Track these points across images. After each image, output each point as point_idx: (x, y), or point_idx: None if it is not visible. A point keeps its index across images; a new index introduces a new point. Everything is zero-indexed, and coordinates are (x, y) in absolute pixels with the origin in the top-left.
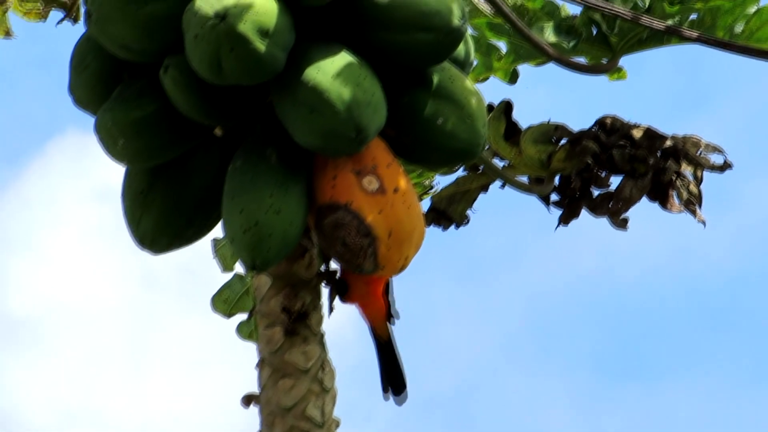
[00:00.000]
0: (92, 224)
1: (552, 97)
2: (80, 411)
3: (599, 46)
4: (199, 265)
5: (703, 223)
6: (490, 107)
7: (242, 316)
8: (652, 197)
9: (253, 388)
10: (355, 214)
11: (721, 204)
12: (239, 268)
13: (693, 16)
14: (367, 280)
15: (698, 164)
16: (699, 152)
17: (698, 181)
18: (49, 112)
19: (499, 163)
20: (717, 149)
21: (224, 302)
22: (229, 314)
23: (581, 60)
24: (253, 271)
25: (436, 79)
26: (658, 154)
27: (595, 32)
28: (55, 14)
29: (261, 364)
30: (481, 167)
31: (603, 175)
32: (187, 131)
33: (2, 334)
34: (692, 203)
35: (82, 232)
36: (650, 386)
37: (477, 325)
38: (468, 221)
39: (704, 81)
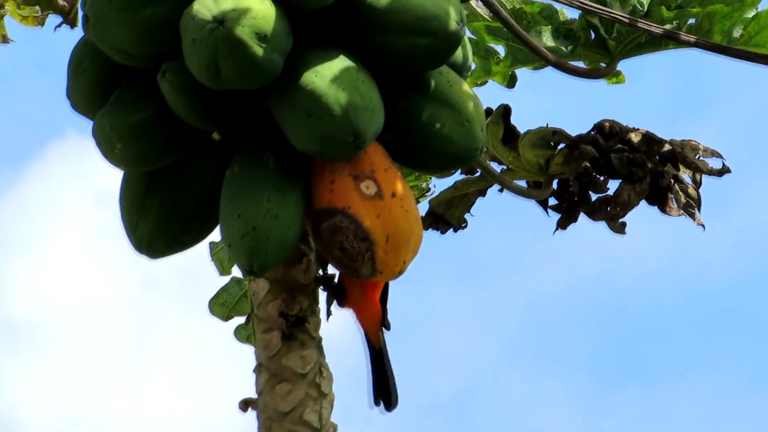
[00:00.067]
0: (92, 227)
1: (551, 101)
2: (80, 413)
3: (597, 50)
4: (199, 268)
5: (702, 226)
6: (489, 111)
7: (239, 320)
8: (651, 201)
9: (252, 392)
10: (352, 219)
11: (720, 207)
12: (236, 271)
13: (691, 21)
14: (364, 286)
15: (696, 168)
16: (697, 156)
17: (697, 184)
18: (48, 116)
19: (497, 167)
20: (715, 154)
21: (221, 306)
22: (226, 318)
23: (579, 64)
24: (251, 275)
25: (433, 83)
26: (657, 159)
27: (593, 36)
28: (53, 19)
29: (258, 369)
30: (479, 171)
31: (601, 179)
32: (185, 136)
33: (2, 336)
34: (691, 207)
35: (82, 234)
36: (649, 389)
37: (477, 328)
38: (466, 225)
39: (703, 85)
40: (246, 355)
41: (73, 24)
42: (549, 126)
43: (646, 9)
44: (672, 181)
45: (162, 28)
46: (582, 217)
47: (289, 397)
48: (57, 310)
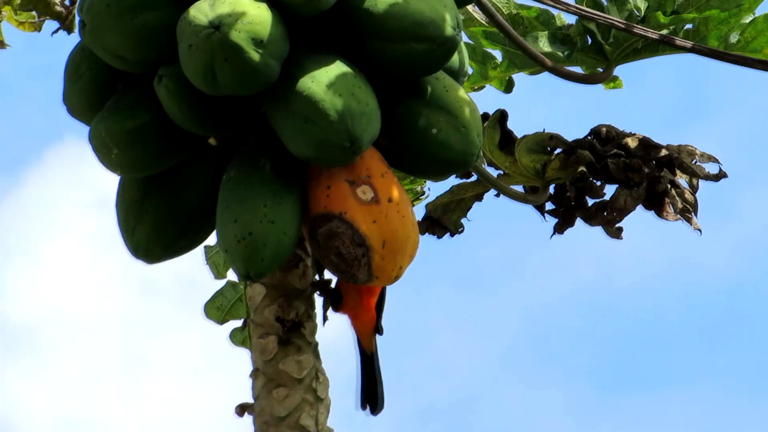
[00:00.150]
0: (90, 232)
1: (548, 106)
2: (78, 419)
3: (594, 55)
4: (197, 272)
5: (699, 231)
6: (485, 116)
7: (235, 323)
8: (647, 206)
9: (249, 396)
10: (349, 224)
11: (719, 213)
12: (231, 275)
13: (688, 26)
14: (359, 291)
15: (693, 173)
16: (694, 161)
17: (694, 189)
18: (47, 121)
19: (493, 172)
20: (712, 158)
21: (217, 309)
22: (221, 321)
23: (576, 69)
24: (247, 280)
25: (430, 88)
26: (653, 164)
27: (590, 42)
28: (51, 24)
29: (255, 374)
30: (475, 176)
31: (598, 184)
32: (182, 141)
33: (0, 341)
34: (688, 212)
35: (81, 239)
36: (648, 396)
37: (475, 335)
38: (462, 230)
39: (702, 90)
40: (244, 360)
41: (70, 29)
42: (546, 131)
43: (642, 14)
44: (669, 186)
45: (158, 34)
46: (580, 223)
47: (285, 401)
48: (55, 315)
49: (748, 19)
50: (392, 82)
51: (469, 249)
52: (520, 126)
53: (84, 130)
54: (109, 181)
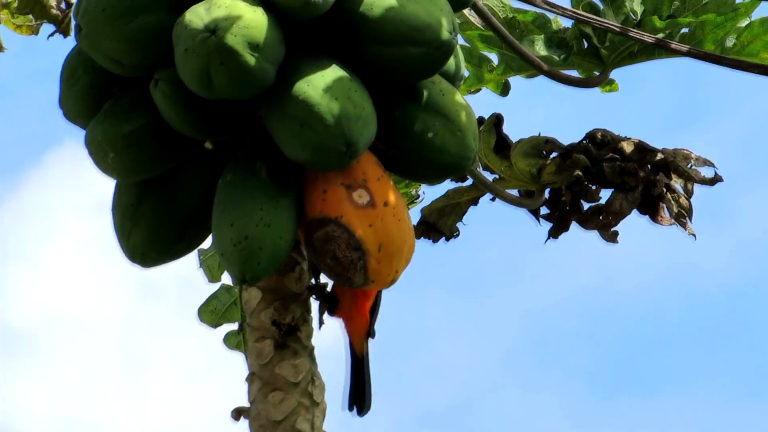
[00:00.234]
0: (90, 235)
1: (546, 109)
2: (77, 422)
3: (590, 59)
4: (196, 276)
5: (694, 236)
6: (481, 120)
7: (229, 326)
8: (642, 211)
9: (245, 400)
10: (345, 228)
11: (718, 218)
12: (226, 278)
13: (684, 30)
14: (354, 295)
15: (688, 177)
16: (689, 165)
17: (689, 194)
18: (46, 124)
19: (489, 176)
20: (707, 162)
21: (211, 313)
22: (215, 325)
23: (573, 73)
24: (243, 284)
25: (426, 92)
26: (649, 168)
27: (586, 45)
28: (48, 28)
29: (251, 378)
30: (470, 180)
31: (593, 188)
32: (178, 145)
33: (0, 344)
34: (683, 216)
35: (80, 243)
36: (647, 399)
37: (474, 339)
38: (458, 234)
39: (701, 94)
40: (243, 362)
41: (66, 33)
42: (541, 135)
43: (638, 18)
44: (664, 190)
45: (154, 38)
46: (578, 226)
47: (281, 405)
48: (55, 318)
49: (744, 23)
50: (388, 86)
51: (468, 253)
52: (516, 129)
53: (83, 133)
54: (109, 185)
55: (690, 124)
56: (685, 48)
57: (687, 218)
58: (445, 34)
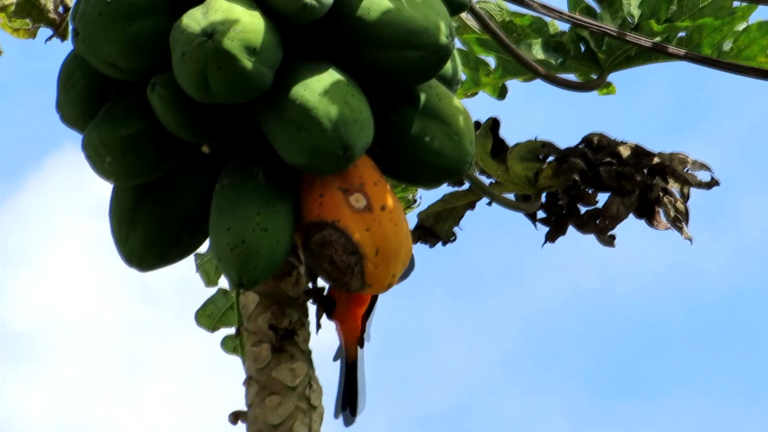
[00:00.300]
0: (90, 238)
1: (545, 112)
2: (77, 424)
3: (587, 63)
4: (196, 279)
5: (690, 240)
6: (478, 124)
7: (227, 330)
8: (639, 215)
9: (243, 404)
10: (342, 232)
11: (718, 220)
12: (223, 282)
13: (681, 34)
14: (349, 300)
15: (685, 181)
16: (686, 169)
17: (685, 198)
18: (46, 127)
19: (485, 180)
20: (704, 166)
21: (208, 317)
22: (212, 329)
23: (570, 77)
24: (240, 288)
25: (423, 96)
26: (645, 172)
27: (583, 49)
28: (45, 32)
29: (248, 382)
30: (467, 184)
31: (590, 192)
32: (175, 149)
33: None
34: (679, 221)
35: (80, 246)
36: (647, 402)
37: (474, 341)
38: (455, 239)
39: (700, 97)
40: (242, 366)
41: (63, 37)
42: (538, 139)
43: (636, 22)
44: (661, 194)
45: (151, 42)
46: (575, 230)
47: (278, 409)
48: (55, 321)
49: (741, 27)
50: (385, 90)
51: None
52: (513, 133)
53: (81, 137)
54: (109, 188)
55: (690, 126)
56: (682, 52)
57: (683, 222)
58: (443, 38)
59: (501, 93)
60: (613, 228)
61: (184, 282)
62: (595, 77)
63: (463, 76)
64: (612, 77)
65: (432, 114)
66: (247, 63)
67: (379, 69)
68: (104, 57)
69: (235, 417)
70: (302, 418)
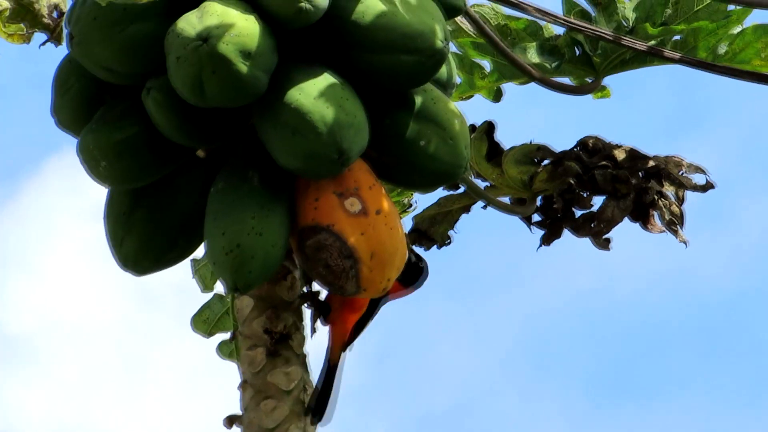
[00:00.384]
0: (88, 241)
1: (539, 115)
2: (76, 426)
3: (582, 66)
4: (194, 283)
5: (685, 243)
6: (473, 128)
7: (222, 336)
8: (634, 218)
9: (238, 408)
10: (337, 236)
11: (717, 223)
12: (219, 288)
13: (677, 37)
14: (343, 303)
15: (680, 185)
16: (681, 172)
17: (680, 201)
18: (45, 130)
19: (481, 184)
20: (699, 169)
21: (204, 322)
22: (208, 334)
23: (565, 80)
24: (235, 292)
25: (418, 100)
26: (641, 175)
27: (578, 53)
28: (40, 36)
29: (243, 386)
30: (462, 187)
31: (585, 195)
32: (170, 153)
33: None
34: (674, 224)
35: (79, 249)
36: (645, 405)
37: (473, 343)
38: (450, 242)
39: (699, 100)
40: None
41: (58, 41)
42: (533, 142)
43: (631, 25)
44: (656, 197)
45: (146, 46)
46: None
47: (273, 413)
48: (54, 323)
49: (736, 30)
50: (381, 93)
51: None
52: (509, 137)
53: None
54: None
55: (688, 129)
56: (677, 55)
57: (678, 225)
58: (438, 42)
59: (496, 96)
60: (608, 231)
61: (183, 284)
62: (590, 81)
63: (458, 80)
64: (609, 81)
65: (427, 118)
66: (242, 67)
67: (375, 73)
68: (99, 61)
69: (230, 421)
70: (297, 422)
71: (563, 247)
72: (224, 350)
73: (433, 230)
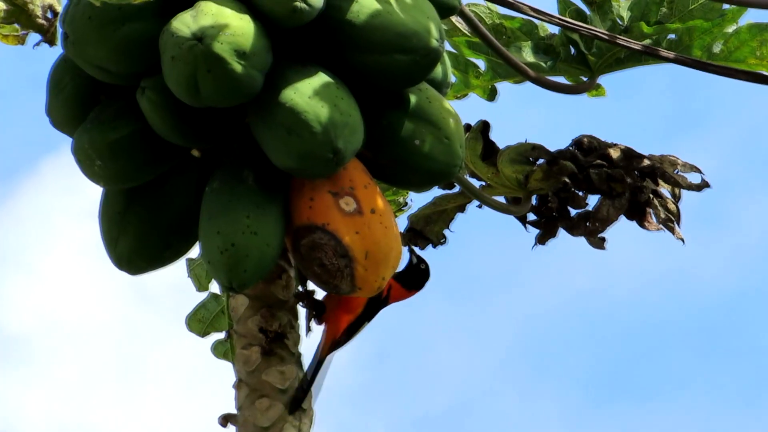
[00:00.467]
0: (86, 241)
1: (534, 114)
2: (75, 426)
3: (577, 65)
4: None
5: (682, 240)
6: (468, 127)
7: (218, 335)
8: (630, 216)
9: (233, 407)
10: (332, 235)
11: (715, 223)
12: (214, 287)
13: (672, 36)
14: (339, 303)
15: (675, 183)
16: (676, 171)
17: (676, 199)
18: (42, 130)
19: (476, 183)
20: (694, 168)
21: (199, 321)
22: (203, 334)
23: (560, 79)
24: (230, 292)
25: (413, 100)
26: (636, 174)
27: (573, 52)
28: (35, 38)
29: (238, 384)
30: (457, 187)
31: (580, 194)
32: (165, 153)
33: None
34: (670, 221)
35: (76, 249)
36: (643, 406)
37: (471, 344)
38: (445, 241)
39: (699, 99)
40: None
41: (52, 42)
42: (528, 141)
43: (626, 24)
44: (651, 196)
45: (141, 46)
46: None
47: (268, 412)
48: (51, 324)
49: (731, 29)
50: (375, 93)
51: (466, 258)
52: (504, 136)
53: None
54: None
55: (686, 130)
56: (672, 54)
57: (675, 223)
58: (433, 42)
59: (491, 95)
60: (603, 230)
61: (181, 284)
62: (585, 80)
63: (453, 79)
64: (607, 81)
65: (422, 117)
66: (237, 66)
67: (369, 72)
68: (94, 60)
69: (224, 420)
70: (292, 421)
71: (562, 248)
72: (219, 350)
73: (428, 229)
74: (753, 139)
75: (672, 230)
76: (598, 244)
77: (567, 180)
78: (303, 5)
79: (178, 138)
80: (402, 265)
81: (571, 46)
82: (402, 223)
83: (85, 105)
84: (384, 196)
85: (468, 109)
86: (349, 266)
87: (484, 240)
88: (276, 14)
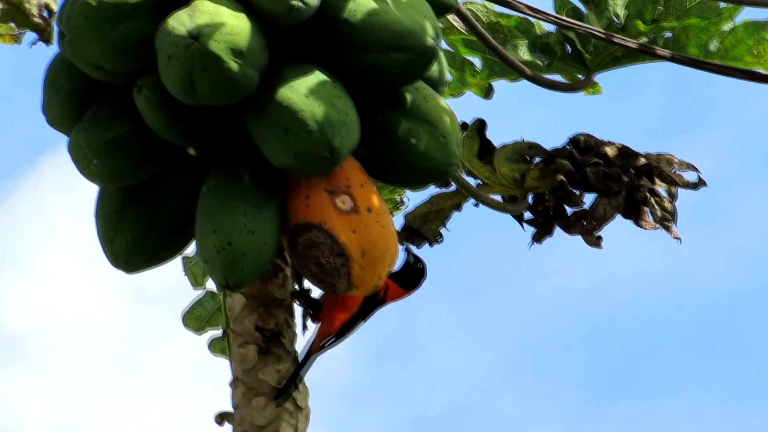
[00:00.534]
0: (84, 240)
1: (531, 113)
2: (74, 425)
3: (574, 63)
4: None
5: (678, 239)
6: (464, 125)
7: (214, 332)
8: (626, 215)
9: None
10: (328, 234)
11: (714, 223)
12: (210, 284)
13: (668, 35)
14: (335, 302)
15: (672, 182)
16: (672, 170)
17: (673, 197)
18: (41, 129)
19: (472, 181)
20: (691, 167)
21: (195, 319)
22: (200, 331)
23: (557, 77)
24: (227, 290)
25: (409, 98)
26: (632, 172)
27: (569, 50)
28: (31, 36)
29: (234, 383)
30: (453, 185)
31: (577, 193)
32: (161, 152)
33: None
34: (667, 220)
35: (75, 247)
36: (642, 405)
37: (469, 344)
38: (441, 239)
39: (697, 98)
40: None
41: (48, 41)
42: (524, 140)
43: (622, 22)
44: (647, 194)
45: (137, 44)
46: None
47: (265, 411)
48: (50, 323)
49: (727, 27)
50: (372, 91)
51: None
52: (500, 134)
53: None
54: None
55: (683, 127)
56: (668, 53)
57: (671, 222)
58: (429, 40)
59: (487, 93)
60: (599, 229)
61: (179, 283)
62: (581, 78)
63: (449, 77)
64: (604, 79)
65: (418, 116)
66: (233, 65)
67: (366, 71)
68: (90, 59)
69: (221, 418)
70: (288, 419)
71: (561, 247)
72: (215, 347)
73: (424, 228)
74: (751, 138)
75: (668, 229)
76: (595, 242)
77: (563, 178)
78: (299, 3)
79: (174, 137)
80: (398, 265)
81: (567, 45)
82: (398, 221)
83: (82, 104)
84: (380, 195)
85: (464, 107)
86: (346, 265)
87: (483, 239)
88: (272, 13)
